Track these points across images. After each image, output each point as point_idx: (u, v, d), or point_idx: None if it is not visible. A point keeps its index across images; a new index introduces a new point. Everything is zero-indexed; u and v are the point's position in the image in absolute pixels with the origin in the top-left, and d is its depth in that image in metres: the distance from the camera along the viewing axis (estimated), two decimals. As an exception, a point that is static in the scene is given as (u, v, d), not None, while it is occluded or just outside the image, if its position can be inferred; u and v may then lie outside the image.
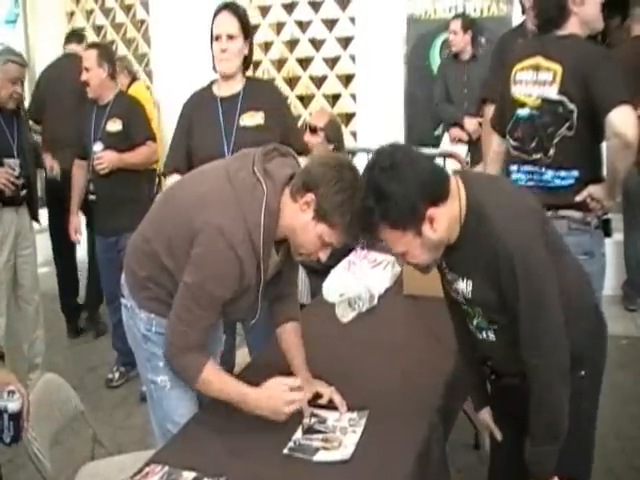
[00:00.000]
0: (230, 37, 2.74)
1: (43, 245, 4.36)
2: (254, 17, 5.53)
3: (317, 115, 3.67)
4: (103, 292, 4.12)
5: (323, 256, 1.85)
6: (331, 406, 1.94)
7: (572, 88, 2.34)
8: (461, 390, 2.13)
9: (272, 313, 2.12)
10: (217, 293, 1.81)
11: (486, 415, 1.96)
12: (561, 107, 2.37)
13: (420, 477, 1.70)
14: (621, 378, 3.61)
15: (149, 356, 2.03)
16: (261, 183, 1.80)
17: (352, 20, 5.58)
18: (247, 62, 2.85)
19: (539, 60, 2.44)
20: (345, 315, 2.62)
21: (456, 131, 4.91)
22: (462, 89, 4.89)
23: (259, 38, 5.68)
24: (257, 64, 5.71)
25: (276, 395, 1.79)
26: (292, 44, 5.80)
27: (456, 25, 4.84)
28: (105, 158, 3.62)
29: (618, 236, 4.50)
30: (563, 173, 2.42)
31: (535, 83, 2.45)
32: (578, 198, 2.40)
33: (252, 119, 2.77)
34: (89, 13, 6.33)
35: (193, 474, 1.64)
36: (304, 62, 5.80)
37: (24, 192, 3.52)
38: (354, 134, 5.65)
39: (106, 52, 3.77)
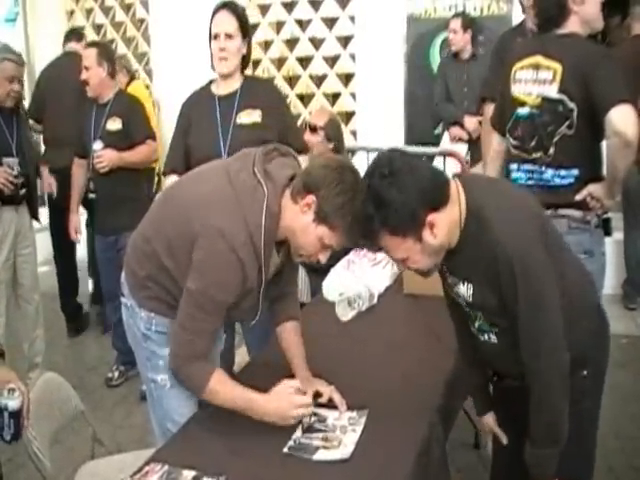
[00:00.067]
0: (228, 36, 2.73)
1: (43, 244, 4.36)
2: (254, 16, 5.52)
3: (317, 114, 3.67)
4: (102, 291, 4.11)
5: (323, 258, 1.85)
6: (331, 405, 1.94)
7: (572, 87, 2.34)
8: (461, 389, 2.12)
9: (272, 312, 2.12)
10: (220, 298, 1.80)
11: (490, 419, 1.94)
12: (561, 106, 2.37)
13: (420, 476, 1.70)
14: (621, 377, 3.61)
15: (149, 355, 2.03)
16: (262, 185, 1.79)
17: (352, 19, 5.57)
18: (245, 61, 2.84)
19: (539, 59, 2.44)
20: (345, 314, 2.62)
21: (456, 130, 4.90)
22: (462, 88, 4.88)
23: (259, 37, 5.68)
24: (257, 63, 5.70)
25: (284, 402, 1.79)
26: (292, 43, 5.79)
27: (456, 24, 4.83)
28: (105, 157, 3.61)
29: (618, 235, 4.50)
30: (563, 172, 2.42)
31: (535, 82, 2.44)
32: (578, 197, 2.39)
33: (249, 117, 2.76)
34: (89, 12, 6.32)
35: (193, 473, 1.64)
36: (304, 61, 5.79)
37: (23, 191, 3.52)
38: (354, 133, 5.64)
39: (106, 51, 3.76)
